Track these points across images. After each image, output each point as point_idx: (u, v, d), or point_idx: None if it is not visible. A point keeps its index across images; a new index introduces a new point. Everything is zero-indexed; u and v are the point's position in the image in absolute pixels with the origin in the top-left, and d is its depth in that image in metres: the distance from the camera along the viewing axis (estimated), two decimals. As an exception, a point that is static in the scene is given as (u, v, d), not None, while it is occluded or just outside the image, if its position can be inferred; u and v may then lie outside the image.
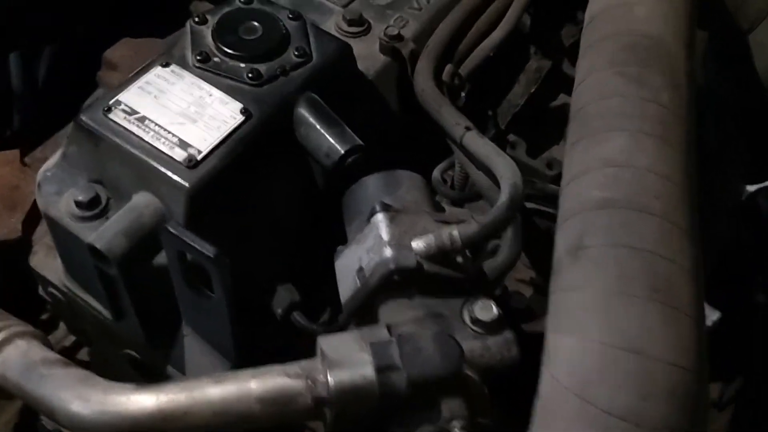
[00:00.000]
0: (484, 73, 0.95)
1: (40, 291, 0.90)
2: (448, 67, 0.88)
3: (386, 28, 0.90)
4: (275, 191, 0.77)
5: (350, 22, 0.90)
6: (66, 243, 0.76)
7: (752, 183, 1.36)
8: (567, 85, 1.07)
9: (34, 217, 0.89)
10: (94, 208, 0.73)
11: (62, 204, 0.74)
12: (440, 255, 0.69)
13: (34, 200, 0.85)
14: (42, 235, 0.88)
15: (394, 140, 0.89)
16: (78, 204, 0.73)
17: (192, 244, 0.62)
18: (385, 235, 0.69)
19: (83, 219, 0.73)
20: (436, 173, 0.88)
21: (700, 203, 0.69)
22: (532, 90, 1.07)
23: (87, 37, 1.27)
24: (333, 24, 0.91)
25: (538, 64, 1.10)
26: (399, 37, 0.89)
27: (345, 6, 0.94)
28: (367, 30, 0.91)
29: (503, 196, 0.70)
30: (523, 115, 1.04)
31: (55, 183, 0.75)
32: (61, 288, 0.84)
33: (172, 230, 0.63)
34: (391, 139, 0.88)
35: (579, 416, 0.55)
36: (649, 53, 0.77)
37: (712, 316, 1.25)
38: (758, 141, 1.14)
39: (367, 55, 0.89)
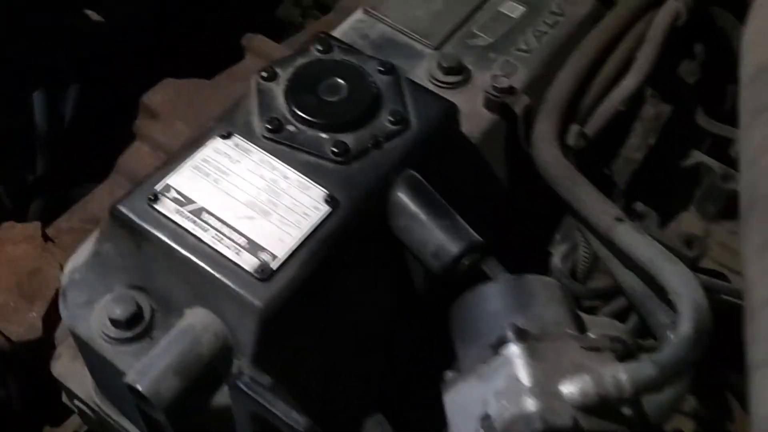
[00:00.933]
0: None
1: (64, 399, 0.74)
2: (574, 128, 0.70)
3: (493, 78, 0.72)
4: (366, 302, 0.60)
5: (447, 71, 0.72)
6: (99, 367, 0.59)
7: None
8: (699, 139, 0.89)
9: (57, 309, 0.72)
10: (135, 327, 0.56)
11: (94, 320, 0.57)
12: (601, 406, 0.51)
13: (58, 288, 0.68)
14: (67, 334, 0.71)
15: (503, 221, 0.72)
16: (114, 322, 0.56)
17: (276, 412, 0.45)
18: (525, 379, 0.51)
19: (121, 341, 0.56)
20: (556, 261, 0.70)
21: None
22: (652, 142, 0.89)
23: (118, 74, 1.11)
24: (424, 72, 0.73)
25: (657, 110, 0.92)
26: (510, 90, 0.71)
27: (437, 48, 0.76)
28: (467, 79, 0.73)
29: (687, 326, 0.52)
30: (644, 175, 0.86)
31: (84, 290, 0.59)
32: (90, 405, 0.67)
33: (247, 391, 0.46)
34: (500, 220, 0.71)
35: None
36: None
37: None
38: None
39: (469, 113, 0.70)
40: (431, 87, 0.72)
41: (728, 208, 0.84)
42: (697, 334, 0.51)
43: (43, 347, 0.72)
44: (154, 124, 0.89)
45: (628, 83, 0.76)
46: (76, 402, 0.71)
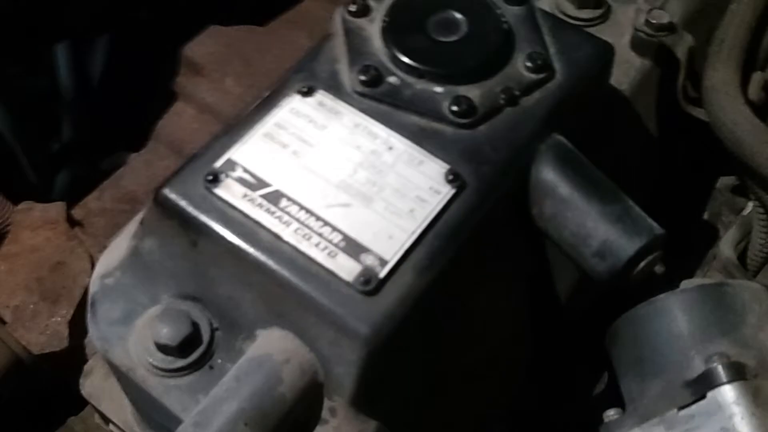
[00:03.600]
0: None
1: (97, 419, 0.60)
2: (757, 77, 0.53)
3: (642, 13, 0.55)
4: (497, 319, 0.44)
5: (582, 3, 0.55)
6: (141, 400, 0.45)
7: None
8: None
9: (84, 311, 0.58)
10: (190, 354, 0.41)
11: (134, 342, 0.42)
12: None
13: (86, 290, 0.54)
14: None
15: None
16: (161, 347, 0.41)
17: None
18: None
19: (171, 372, 0.41)
20: (727, 250, 0.54)
21: None
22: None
23: (155, 21, 0.96)
24: (551, 5, 0.56)
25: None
26: (669, 27, 0.54)
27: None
28: (607, 14, 0.56)
29: None
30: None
31: (120, 300, 0.43)
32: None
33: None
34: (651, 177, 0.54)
35: None
36: None
37: None
38: None
39: (619, 55, 0.54)
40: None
41: None
42: None
43: (69, 359, 0.57)
44: (199, 82, 0.75)
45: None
46: (112, 427, 0.57)
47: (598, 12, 0.57)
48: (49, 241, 0.61)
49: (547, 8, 0.58)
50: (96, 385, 0.56)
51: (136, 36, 1.00)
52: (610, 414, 0.44)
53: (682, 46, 0.54)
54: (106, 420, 0.59)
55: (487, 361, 0.45)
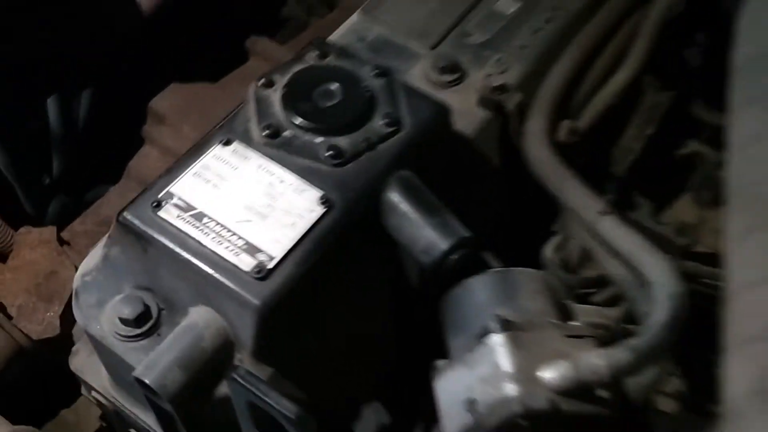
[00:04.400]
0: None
1: (83, 391, 0.78)
2: (565, 124, 0.72)
3: (486, 77, 0.74)
4: (361, 297, 0.63)
5: (442, 70, 0.75)
6: (111, 362, 0.63)
7: None
8: (696, 128, 0.90)
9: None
10: (143, 325, 0.59)
11: (104, 319, 0.60)
12: (579, 390, 0.53)
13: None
14: (83, 331, 0.75)
15: (497, 218, 0.74)
16: (123, 321, 0.59)
17: (269, 401, 0.48)
18: (506, 365, 0.54)
19: (130, 338, 0.59)
20: (549, 253, 0.72)
21: None
22: (650, 132, 0.90)
23: (130, 77, 1.15)
24: (420, 72, 0.75)
25: (654, 100, 0.93)
26: (502, 88, 0.73)
27: (433, 48, 0.78)
28: (462, 78, 0.76)
29: (662, 313, 0.54)
30: (642, 164, 0.88)
31: (95, 291, 0.62)
32: (107, 396, 0.71)
33: (243, 383, 0.49)
34: (493, 217, 0.73)
35: None
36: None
37: None
38: None
39: (464, 111, 0.73)
40: (428, 86, 0.74)
41: (723, 196, 0.85)
42: (672, 321, 0.54)
43: (61, 344, 0.75)
44: (162, 129, 0.92)
45: (621, 77, 0.78)
46: (94, 393, 0.75)
47: (455, 76, 0.76)
48: (44, 257, 0.79)
49: (419, 73, 0.77)
50: (81, 362, 0.74)
51: (114, 90, 1.19)
52: (439, 364, 0.62)
53: (513, 102, 0.73)
54: (89, 388, 0.77)
55: (354, 337, 0.63)
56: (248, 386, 0.49)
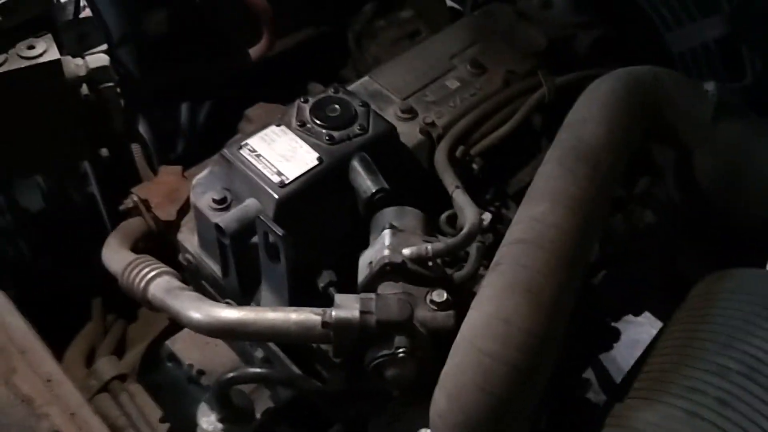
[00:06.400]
0: (498, 155, 1.38)
1: (180, 258, 1.40)
2: (460, 148, 1.33)
3: (425, 117, 1.36)
4: (333, 210, 1.23)
5: (403, 111, 1.37)
6: (202, 223, 1.25)
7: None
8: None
9: (185, 209, 1.38)
10: (223, 204, 1.21)
11: (204, 199, 1.23)
12: (418, 259, 1.12)
13: (187, 198, 1.34)
14: (188, 221, 1.37)
15: (421, 189, 1.34)
16: (214, 201, 1.21)
17: (270, 225, 1.09)
18: (387, 243, 1.13)
19: (215, 210, 1.21)
20: (442, 218, 1.31)
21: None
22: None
23: (236, 97, 1.81)
24: (392, 110, 1.38)
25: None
26: (432, 124, 1.34)
27: (404, 99, 1.40)
28: (415, 116, 1.37)
29: (463, 231, 1.12)
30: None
31: (202, 186, 1.25)
32: (194, 254, 1.33)
33: (261, 218, 1.10)
34: (419, 187, 1.33)
35: (471, 352, 0.97)
36: (583, 154, 1.17)
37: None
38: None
39: (410, 133, 1.35)
40: (393, 118, 1.36)
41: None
42: (468, 235, 1.11)
43: (175, 226, 1.38)
44: (249, 126, 1.56)
45: (504, 129, 1.37)
46: (186, 255, 1.36)
47: (410, 115, 1.38)
48: (172, 180, 1.42)
49: (392, 110, 1.39)
50: (183, 236, 1.36)
51: (225, 103, 1.86)
52: (364, 252, 1.21)
53: (435, 132, 1.33)
54: (185, 252, 1.39)
55: (325, 228, 1.24)
56: (262, 218, 1.10)
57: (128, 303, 1.52)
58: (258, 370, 1.17)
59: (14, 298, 1.35)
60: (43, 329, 1.33)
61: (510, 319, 0.97)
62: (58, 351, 1.40)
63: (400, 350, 1.02)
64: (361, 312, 1.03)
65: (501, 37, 1.53)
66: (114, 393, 1.36)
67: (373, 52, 1.82)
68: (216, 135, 1.58)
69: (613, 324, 1.61)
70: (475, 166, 1.36)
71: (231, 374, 1.08)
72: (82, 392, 1.27)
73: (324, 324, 1.04)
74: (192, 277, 1.39)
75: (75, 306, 1.57)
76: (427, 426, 1.03)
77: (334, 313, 1.04)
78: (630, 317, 1.72)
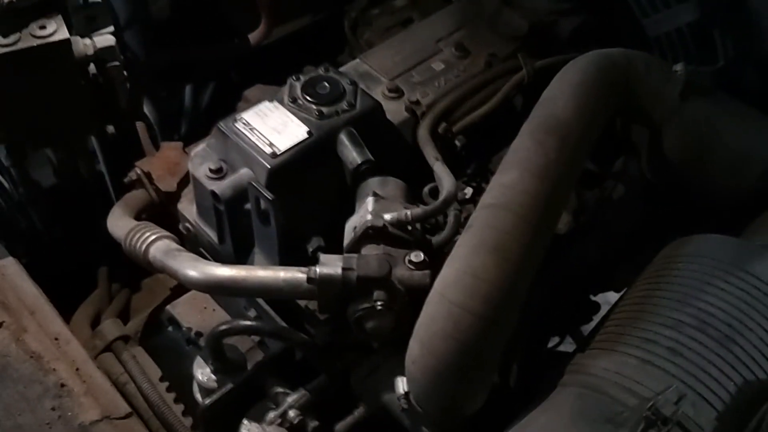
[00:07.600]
0: (479, 133, 1.47)
1: (180, 227, 1.49)
2: (443, 125, 1.41)
3: (410, 96, 1.44)
4: (321, 180, 1.32)
5: (390, 90, 1.46)
6: (200, 191, 1.34)
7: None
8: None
9: (185, 181, 1.47)
10: (219, 174, 1.30)
11: (202, 169, 1.32)
12: (399, 224, 1.20)
13: (187, 171, 1.43)
14: (187, 192, 1.46)
15: (406, 163, 1.43)
16: (210, 170, 1.31)
17: (261, 190, 1.18)
18: (370, 208, 1.22)
19: (212, 179, 1.30)
20: (425, 190, 1.40)
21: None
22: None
23: (237, 79, 1.91)
24: (380, 89, 1.46)
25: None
26: (417, 103, 1.43)
27: (391, 79, 1.49)
28: (401, 96, 1.46)
29: (440, 198, 1.21)
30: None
31: (200, 158, 1.34)
32: (192, 223, 1.42)
33: (253, 184, 1.19)
34: (403, 161, 1.42)
35: (442, 303, 1.06)
36: (553, 127, 1.26)
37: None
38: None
39: (396, 110, 1.43)
40: (381, 96, 1.45)
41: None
42: (444, 202, 1.20)
43: (175, 196, 1.47)
44: (247, 105, 1.64)
45: (484, 109, 1.46)
46: (186, 224, 1.45)
47: (396, 94, 1.46)
48: (174, 154, 1.51)
49: (379, 89, 1.47)
50: (183, 206, 1.44)
51: (226, 84, 1.95)
52: (350, 219, 1.30)
53: (419, 110, 1.42)
54: (184, 221, 1.48)
55: (313, 197, 1.32)
56: (254, 185, 1.19)
57: (133, 273, 1.63)
58: (249, 322, 1.26)
59: (26, 265, 1.45)
60: (53, 295, 1.43)
61: (478, 273, 1.05)
62: (66, 316, 1.49)
63: (379, 303, 1.11)
64: (344, 269, 1.12)
65: (485, 23, 1.61)
66: (117, 352, 1.45)
67: (368, 38, 1.91)
68: (218, 116, 1.69)
69: (592, 298, 1.70)
70: (457, 143, 1.45)
71: (224, 326, 1.17)
72: (87, 351, 1.37)
73: (309, 280, 1.12)
74: (191, 245, 1.48)
75: (83, 274, 1.66)
76: (403, 374, 1.11)
77: (318, 269, 1.12)
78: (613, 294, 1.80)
